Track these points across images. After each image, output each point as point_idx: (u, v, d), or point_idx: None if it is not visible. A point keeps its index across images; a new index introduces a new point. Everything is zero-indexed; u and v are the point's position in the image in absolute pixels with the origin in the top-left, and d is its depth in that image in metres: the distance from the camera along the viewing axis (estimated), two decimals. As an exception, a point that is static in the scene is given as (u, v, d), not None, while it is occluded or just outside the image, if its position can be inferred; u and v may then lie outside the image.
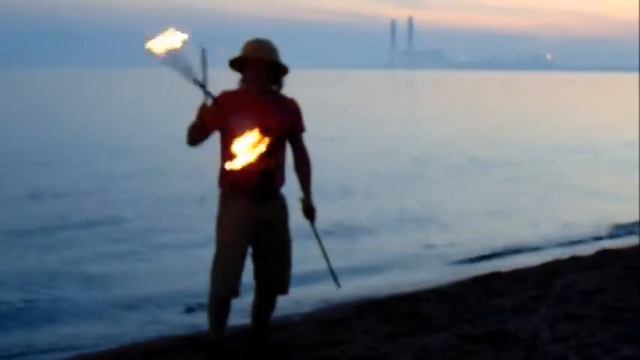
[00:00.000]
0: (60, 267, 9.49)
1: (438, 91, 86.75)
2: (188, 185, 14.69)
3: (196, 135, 4.91)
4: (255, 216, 5.00)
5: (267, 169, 4.95)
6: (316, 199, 5.26)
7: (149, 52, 4.57)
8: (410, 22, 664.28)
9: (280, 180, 5.11)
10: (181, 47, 4.58)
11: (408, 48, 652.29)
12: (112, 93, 65.68)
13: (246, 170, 4.85)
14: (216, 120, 4.87)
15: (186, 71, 4.65)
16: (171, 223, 12.15)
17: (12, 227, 11.58)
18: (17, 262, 9.73)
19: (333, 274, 5.43)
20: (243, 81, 5.06)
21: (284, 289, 5.28)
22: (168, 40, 4.57)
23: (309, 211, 5.28)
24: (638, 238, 10.78)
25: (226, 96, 4.97)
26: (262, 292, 5.28)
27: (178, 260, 9.80)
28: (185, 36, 4.60)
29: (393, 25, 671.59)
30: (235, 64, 5.05)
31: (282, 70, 5.06)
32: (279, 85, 5.09)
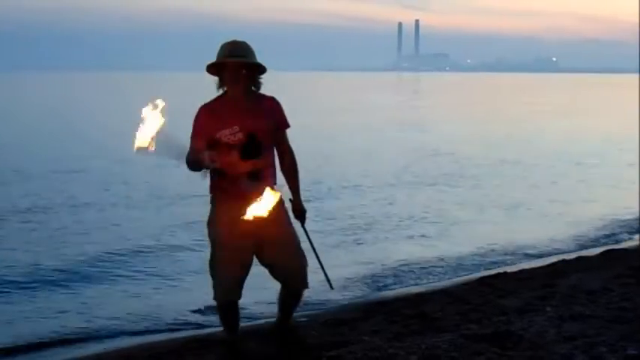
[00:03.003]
0: (65, 265, 9.58)
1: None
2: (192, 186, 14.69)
3: (195, 168, 4.92)
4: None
5: (255, 170, 4.98)
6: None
7: (139, 152, 4.53)
8: (416, 26, 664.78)
9: (271, 179, 5.10)
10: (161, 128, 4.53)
11: (415, 51, 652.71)
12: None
13: (234, 174, 4.95)
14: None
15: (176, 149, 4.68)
16: (180, 223, 12.21)
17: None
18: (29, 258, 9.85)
19: (326, 275, 5.44)
20: (220, 85, 5.05)
21: (303, 283, 5.28)
22: (148, 129, 4.52)
23: (299, 212, 5.30)
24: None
25: (207, 110, 5.00)
26: (285, 287, 5.32)
27: (186, 260, 9.84)
28: (160, 119, 4.54)
29: (400, 28, 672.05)
30: (212, 68, 5.03)
31: (260, 70, 5.05)
32: (257, 85, 5.07)
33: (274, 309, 5.76)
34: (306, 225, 5.37)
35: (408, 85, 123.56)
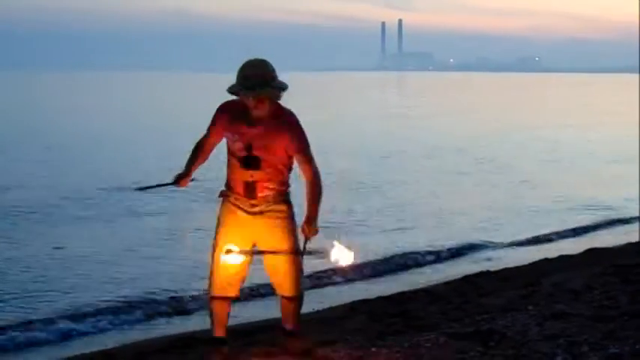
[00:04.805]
0: (55, 267, 9.57)
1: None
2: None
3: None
4: (250, 220, 5.02)
5: (250, 181, 4.97)
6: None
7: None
8: (400, 25, 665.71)
9: (271, 190, 5.00)
10: None
11: (398, 50, 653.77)
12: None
13: (234, 180, 5.03)
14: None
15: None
16: (165, 223, 12.19)
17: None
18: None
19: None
20: (233, 92, 4.98)
21: (293, 290, 5.18)
22: None
23: (307, 230, 4.99)
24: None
25: (224, 108, 5.05)
26: (278, 292, 5.26)
27: (171, 261, 9.82)
28: None
29: (383, 27, 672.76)
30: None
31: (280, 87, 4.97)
32: (277, 97, 4.97)
33: (263, 310, 5.72)
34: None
35: (417, 86, 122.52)
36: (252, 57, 4.98)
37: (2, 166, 19.29)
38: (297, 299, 5.27)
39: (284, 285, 5.18)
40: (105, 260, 9.97)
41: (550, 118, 40.44)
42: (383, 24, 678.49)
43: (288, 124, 4.99)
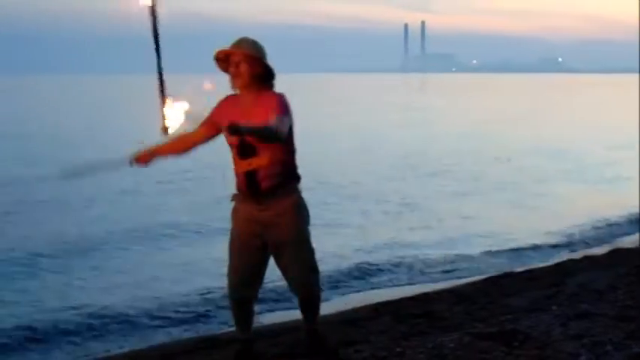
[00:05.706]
0: (82, 269, 9.68)
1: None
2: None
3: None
4: (256, 217, 4.92)
5: (251, 170, 4.83)
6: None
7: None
8: (422, 27, 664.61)
9: (275, 179, 4.87)
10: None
11: (421, 52, 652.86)
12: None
13: (237, 176, 4.92)
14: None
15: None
16: (196, 224, 12.28)
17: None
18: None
19: None
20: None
21: (305, 292, 5.16)
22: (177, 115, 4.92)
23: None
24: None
25: (224, 100, 4.97)
26: (295, 294, 5.24)
27: (197, 263, 9.90)
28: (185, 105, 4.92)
29: (406, 29, 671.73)
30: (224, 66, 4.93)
31: (267, 70, 4.87)
32: (265, 83, 4.88)
33: (287, 311, 5.72)
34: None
35: (445, 87, 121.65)
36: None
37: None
38: (310, 301, 5.24)
39: (298, 286, 5.14)
40: (131, 263, 10.08)
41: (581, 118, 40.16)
42: (406, 26, 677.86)
43: (277, 97, 4.85)
